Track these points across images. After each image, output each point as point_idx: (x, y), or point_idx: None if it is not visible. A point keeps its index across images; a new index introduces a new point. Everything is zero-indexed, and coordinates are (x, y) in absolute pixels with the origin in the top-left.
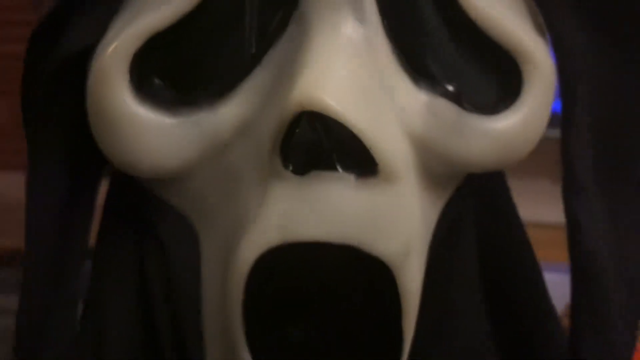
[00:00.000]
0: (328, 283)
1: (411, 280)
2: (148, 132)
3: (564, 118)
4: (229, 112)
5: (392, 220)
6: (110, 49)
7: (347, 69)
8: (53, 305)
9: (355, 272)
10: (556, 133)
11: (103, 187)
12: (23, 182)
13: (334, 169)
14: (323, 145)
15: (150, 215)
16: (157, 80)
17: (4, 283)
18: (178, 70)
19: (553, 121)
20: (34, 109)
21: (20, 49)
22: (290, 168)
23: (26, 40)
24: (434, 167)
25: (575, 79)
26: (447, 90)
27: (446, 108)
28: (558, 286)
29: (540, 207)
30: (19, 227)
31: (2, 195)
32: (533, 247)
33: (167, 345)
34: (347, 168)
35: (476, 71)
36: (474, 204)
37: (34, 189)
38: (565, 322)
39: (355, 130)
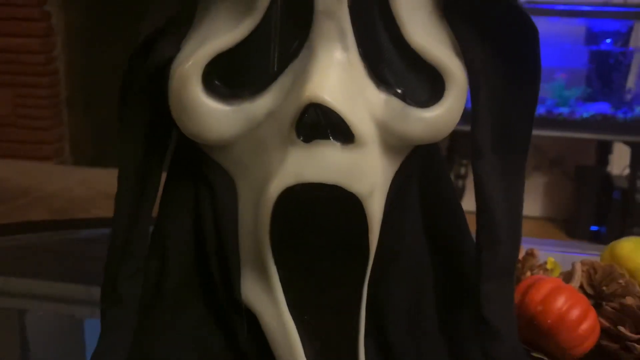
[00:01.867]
0: (323, 212)
1: (375, 211)
2: (211, 115)
3: (472, 110)
4: (263, 103)
5: (362, 171)
6: (189, 63)
7: (337, 78)
8: (132, 232)
9: (340, 204)
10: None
11: None
12: (25, 170)
13: (328, 138)
14: (322, 124)
15: (204, 169)
16: (217, 82)
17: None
18: (230, 75)
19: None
20: (129, 102)
21: (24, 43)
22: (301, 138)
23: (30, 35)
24: (390, 140)
25: (479, 86)
26: (397, 92)
27: (396, 103)
28: None
29: None
30: (20, 211)
31: (4, 181)
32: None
33: (214, 262)
34: (335, 138)
35: (416, 80)
36: (418, 166)
37: (122, 157)
38: None
39: (341, 115)
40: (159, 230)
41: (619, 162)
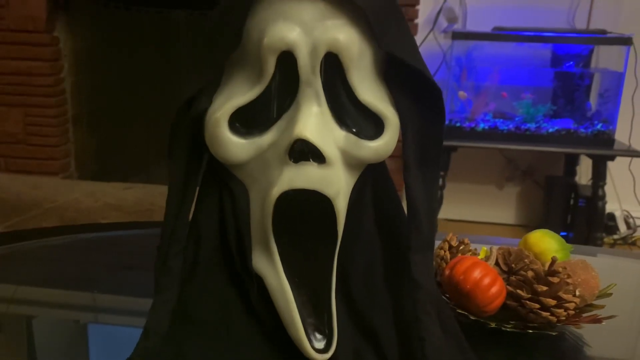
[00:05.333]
0: (307, 208)
1: (341, 207)
2: (233, 145)
3: (402, 141)
4: (267, 138)
5: (332, 181)
6: (220, 112)
7: (314, 123)
8: (177, 224)
9: (318, 203)
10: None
11: None
12: (36, 184)
13: (309, 160)
14: (305, 151)
15: (226, 179)
16: (237, 124)
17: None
18: (246, 120)
19: (496, 136)
20: (176, 137)
21: (35, 66)
22: (292, 160)
23: (40, 58)
24: (349, 161)
25: (407, 125)
26: (353, 131)
27: (353, 138)
28: None
29: (488, 208)
30: (34, 222)
31: (17, 194)
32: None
33: (233, 243)
34: (314, 160)
35: (365, 122)
36: (371, 177)
37: (171, 173)
38: None
39: (317, 146)
40: (195, 222)
41: (587, 172)
